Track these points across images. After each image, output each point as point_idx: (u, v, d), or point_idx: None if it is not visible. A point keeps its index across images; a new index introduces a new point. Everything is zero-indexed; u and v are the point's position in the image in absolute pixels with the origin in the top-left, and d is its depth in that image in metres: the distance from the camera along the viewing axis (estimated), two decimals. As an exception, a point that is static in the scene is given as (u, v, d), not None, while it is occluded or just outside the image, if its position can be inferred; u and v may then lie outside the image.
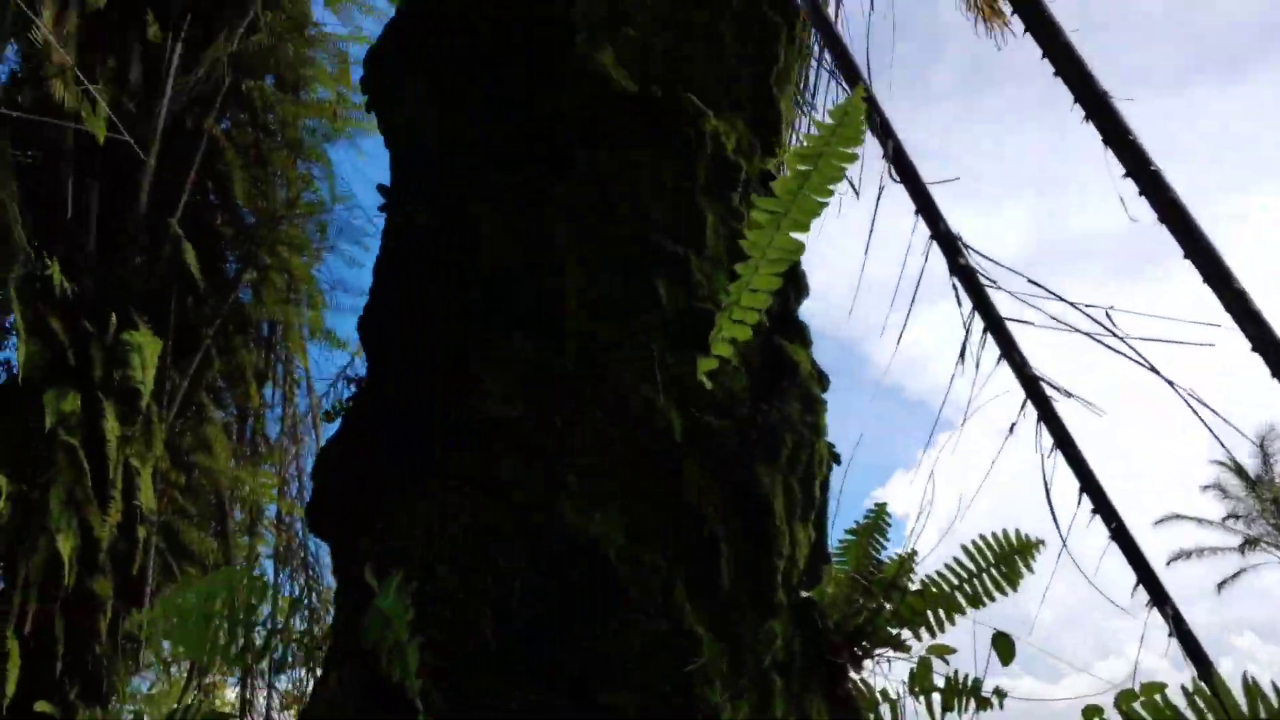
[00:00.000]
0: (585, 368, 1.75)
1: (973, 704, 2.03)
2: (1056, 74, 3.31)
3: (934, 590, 2.18)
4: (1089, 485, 3.53)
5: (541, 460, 1.58)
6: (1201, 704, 1.75)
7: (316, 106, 9.32)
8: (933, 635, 2.13)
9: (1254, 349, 2.70)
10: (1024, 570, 2.25)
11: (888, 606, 2.15)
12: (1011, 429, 3.67)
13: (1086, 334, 3.35)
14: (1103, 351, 3.28)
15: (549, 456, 1.59)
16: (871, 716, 1.96)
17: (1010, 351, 3.74)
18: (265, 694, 7.24)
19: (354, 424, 1.78)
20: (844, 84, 5.34)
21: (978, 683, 2.04)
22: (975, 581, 2.20)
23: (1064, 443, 3.60)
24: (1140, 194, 3.08)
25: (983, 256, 3.95)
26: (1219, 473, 27.13)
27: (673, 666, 1.44)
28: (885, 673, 2.07)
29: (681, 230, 1.98)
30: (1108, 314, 3.26)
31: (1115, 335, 3.25)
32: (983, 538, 2.24)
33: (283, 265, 8.30)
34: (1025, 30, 3.47)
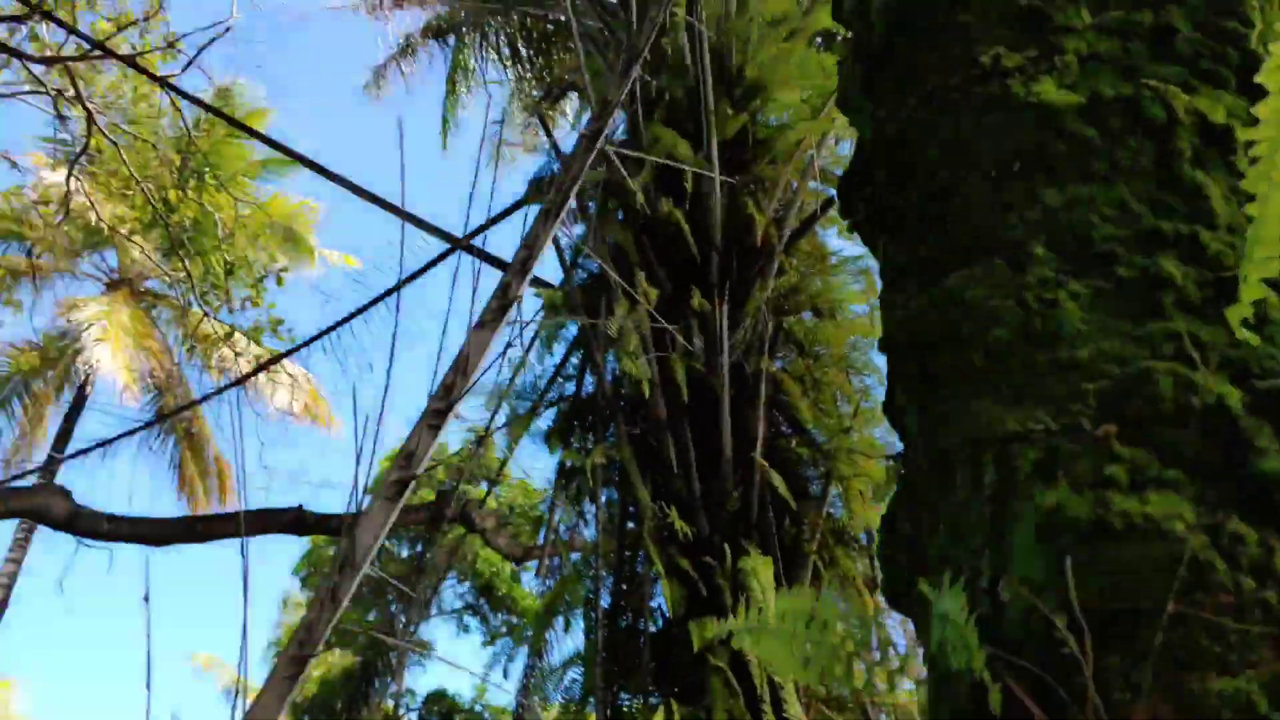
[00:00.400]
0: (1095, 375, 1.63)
1: None
2: None
3: None
4: None
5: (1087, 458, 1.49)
6: None
7: (852, 324, 9.96)
8: None
9: None
10: None
11: None
12: None
13: None
14: None
15: (1090, 459, 1.49)
16: None
17: None
18: None
19: (897, 495, 1.84)
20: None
21: None
22: None
23: None
24: None
25: None
26: None
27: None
28: None
29: (1176, 208, 1.80)
30: None
31: None
32: None
33: (861, 472, 8.65)
34: None
